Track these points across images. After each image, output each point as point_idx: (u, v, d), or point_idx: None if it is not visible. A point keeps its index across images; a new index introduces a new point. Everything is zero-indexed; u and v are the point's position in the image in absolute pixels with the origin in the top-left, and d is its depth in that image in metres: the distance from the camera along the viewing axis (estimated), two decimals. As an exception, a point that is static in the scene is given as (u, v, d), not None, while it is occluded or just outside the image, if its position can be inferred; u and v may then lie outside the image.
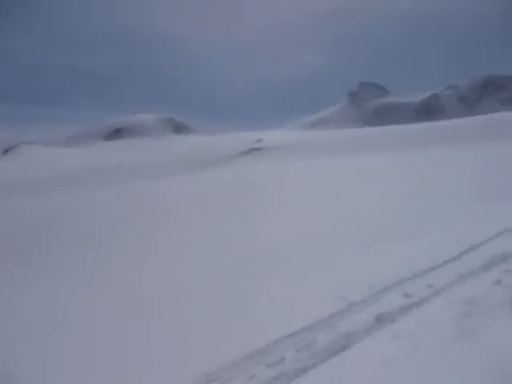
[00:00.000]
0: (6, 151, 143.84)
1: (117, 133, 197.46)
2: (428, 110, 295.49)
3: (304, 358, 4.03)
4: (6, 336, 5.53)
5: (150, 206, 17.44)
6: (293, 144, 74.06)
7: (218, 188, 23.15)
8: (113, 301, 6.34)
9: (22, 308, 6.47)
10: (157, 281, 7.10)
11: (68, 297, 6.78)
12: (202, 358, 4.30)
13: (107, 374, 4.30)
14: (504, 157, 22.84)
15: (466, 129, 59.89)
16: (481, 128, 57.98)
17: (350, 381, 3.61)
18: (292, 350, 4.17)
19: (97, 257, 9.18)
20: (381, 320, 4.52)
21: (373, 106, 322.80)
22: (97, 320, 5.67)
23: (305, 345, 4.24)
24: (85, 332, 5.34)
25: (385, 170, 23.27)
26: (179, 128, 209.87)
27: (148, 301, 6.15)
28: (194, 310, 5.63)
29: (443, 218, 9.28)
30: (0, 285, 7.69)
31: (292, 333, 4.48)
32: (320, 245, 8.18)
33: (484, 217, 8.89)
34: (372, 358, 3.84)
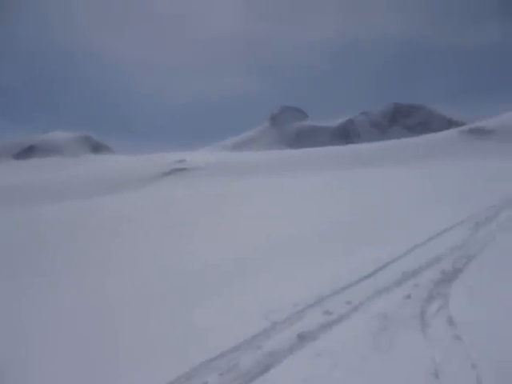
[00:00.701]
0: None
1: (29, 151, 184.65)
2: (344, 134, 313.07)
3: (227, 381, 3.97)
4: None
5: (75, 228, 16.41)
6: (217, 164, 74.22)
7: (141, 209, 22.44)
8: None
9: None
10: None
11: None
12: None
13: None
14: (417, 177, 25.08)
15: (378, 152, 64.73)
16: (391, 151, 63.18)
17: (274, 402, 3.61)
18: (215, 374, 4.10)
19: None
20: (303, 338, 4.60)
21: (294, 129, 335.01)
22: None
23: (228, 367, 4.18)
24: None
25: (311, 190, 24.10)
26: (97, 147, 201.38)
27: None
28: (118, 335, 5.33)
29: (369, 235, 9.78)
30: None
31: (216, 356, 4.40)
32: (244, 265, 8.20)
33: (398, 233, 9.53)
34: (294, 377, 3.89)
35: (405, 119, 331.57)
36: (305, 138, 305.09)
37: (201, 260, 8.87)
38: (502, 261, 6.80)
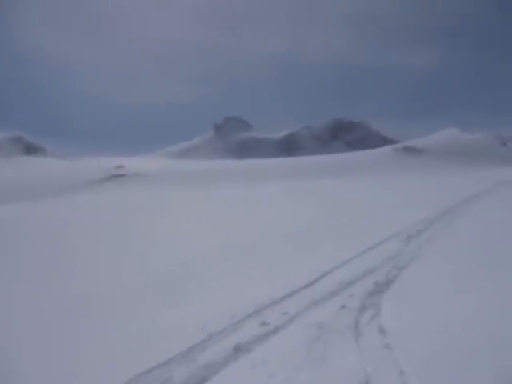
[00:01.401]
0: None
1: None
2: (287, 146, 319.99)
3: (161, 396, 3.84)
4: None
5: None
6: (159, 172, 72.94)
7: (82, 214, 21.51)
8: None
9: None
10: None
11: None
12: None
13: None
14: (359, 189, 26.16)
15: (321, 165, 67.03)
16: (333, 165, 65.60)
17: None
18: (148, 389, 3.95)
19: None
20: (239, 350, 4.57)
21: (237, 140, 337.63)
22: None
23: (162, 381, 4.06)
24: None
25: (256, 201, 24.30)
26: (31, 149, 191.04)
27: None
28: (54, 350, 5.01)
29: (312, 246, 9.95)
30: None
31: (149, 369, 4.26)
32: (185, 275, 8.06)
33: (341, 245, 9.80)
34: (229, 390, 3.85)
35: (345, 134, 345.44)
36: (248, 149, 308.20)
37: (140, 269, 8.64)
38: (428, 272, 7.17)
